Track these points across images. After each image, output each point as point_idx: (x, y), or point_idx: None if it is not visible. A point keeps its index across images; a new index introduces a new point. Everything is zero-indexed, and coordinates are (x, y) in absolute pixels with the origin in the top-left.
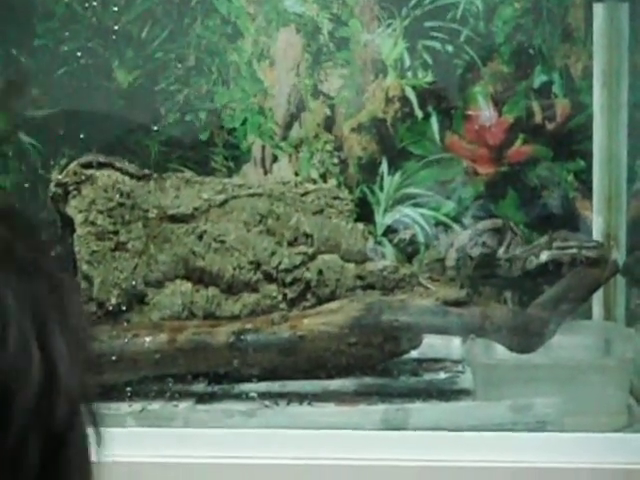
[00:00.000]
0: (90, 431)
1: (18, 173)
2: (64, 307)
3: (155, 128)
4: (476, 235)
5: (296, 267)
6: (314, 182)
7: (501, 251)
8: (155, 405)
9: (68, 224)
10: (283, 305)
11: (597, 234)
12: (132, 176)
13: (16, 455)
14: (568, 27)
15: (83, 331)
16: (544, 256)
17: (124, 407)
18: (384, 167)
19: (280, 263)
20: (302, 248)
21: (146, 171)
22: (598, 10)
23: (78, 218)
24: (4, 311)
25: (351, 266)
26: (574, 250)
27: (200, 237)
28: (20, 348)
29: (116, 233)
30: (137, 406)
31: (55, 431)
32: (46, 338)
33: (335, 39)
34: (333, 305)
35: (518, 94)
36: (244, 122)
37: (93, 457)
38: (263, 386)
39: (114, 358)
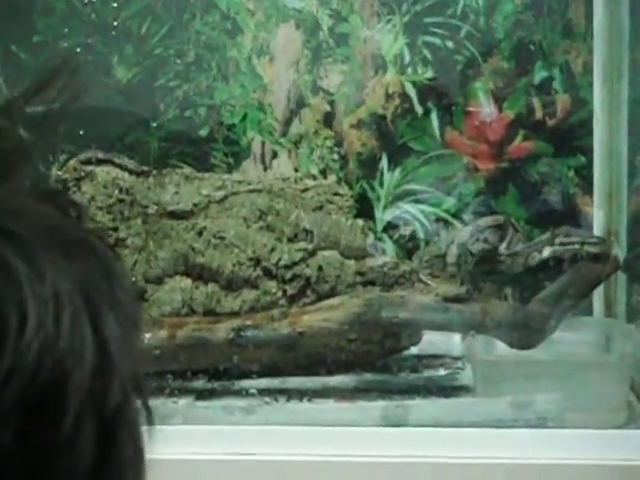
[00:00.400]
0: (142, 416)
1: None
2: (114, 288)
3: (154, 124)
4: (477, 231)
5: (296, 263)
6: (314, 178)
7: (502, 247)
8: (155, 401)
9: None
10: (283, 301)
11: (598, 230)
12: (131, 172)
13: (73, 435)
14: (569, 23)
15: (133, 312)
16: (546, 252)
17: None
18: (384, 163)
19: (280, 259)
20: (302, 244)
21: (145, 167)
22: (598, 6)
23: None
24: (57, 293)
25: (351, 262)
26: (576, 246)
27: (200, 233)
28: (73, 329)
29: (115, 229)
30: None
31: (108, 413)
32: (98, 319)
33: (335, 35)
34: (333, 301)
35: (518, 90)
36: (244, 118)
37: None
38: (263, 382)
39: None
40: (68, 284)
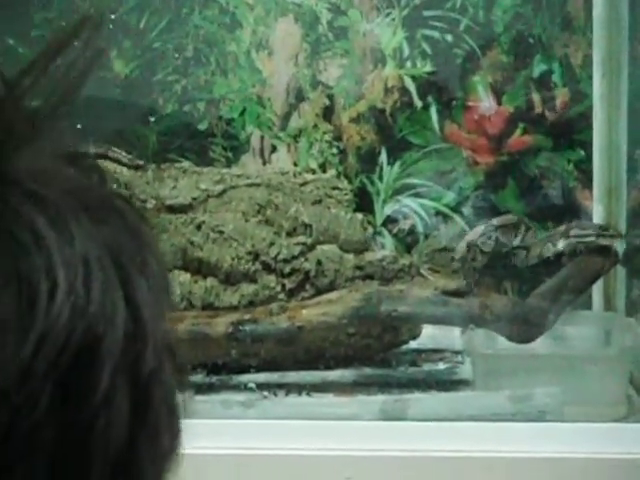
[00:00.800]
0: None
1: None
2: (143, 252)
3: (153, 118)
4: (489, 230)
5: (295, 257)
6: (313, 172)
7: (516, 242)
8: None
9: None
10: (282, 295)
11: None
12: (126, 166)
13: (107, 401)
14: (568, 16)
15: (163, 278)
16: (561, 244)
17: None
18: (383, 157)
19: (279, 253)
20: (301, 238)
21: (140, 162)
22: None
23: None
24: (86, 258)
25: (350, 256)
26: (591, 238)
27: (198, 227)
28: (104, 294)
29: None
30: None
31: (143, 378)
32: (129, 284)
33: (334, 29)
34: (332, 295)
35: (518, 83)
36: (242, 112)
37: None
38: (262, 377)
39: None
40: (97, 249)
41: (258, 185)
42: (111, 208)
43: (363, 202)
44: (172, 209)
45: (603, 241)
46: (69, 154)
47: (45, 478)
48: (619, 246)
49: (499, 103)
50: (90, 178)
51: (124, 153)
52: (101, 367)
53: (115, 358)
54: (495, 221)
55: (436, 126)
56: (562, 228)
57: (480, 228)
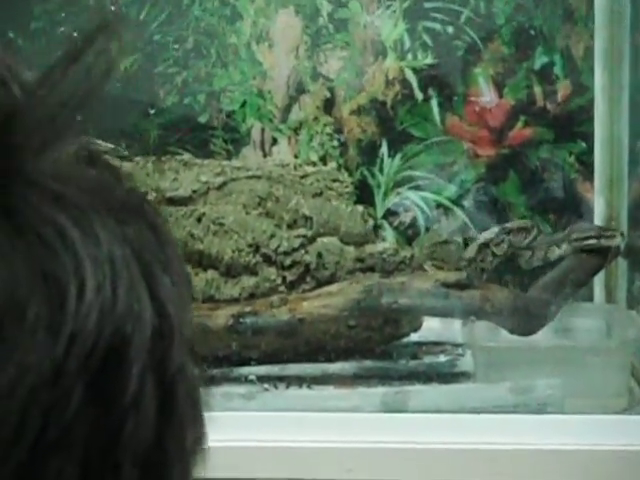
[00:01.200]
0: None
1: None
2: (165, 250)
3: (153, 111)
4: (503, 233)
5: (295, 250)
6: (314, 165)
7: (523, 245)
8: None
9: None
10: (282, 288)
11: (599, 216)
12: (122, 159)
13: (136, 399)
14: (569, 7)
15: (184, 275)
16: (564, 247)
17: None
18: (384, 149)
19: (279, 246)
20: (301, 231)
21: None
22: None
23: None
24: (112, 257)
25: (351, 249)
26: (593, 240)
27: (199, 220)
28: (130, 292)
29: None
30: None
31: (169, 375)
32: (153, 281)
33: (334, 21)
34: (332, 288)
35: (519, 76)
36: (243, 105)
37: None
38: (262, 369)
39: None
40: (121, 247)
41: (259, 177)
42: (132, 207)
43: (364, 194)
44: (172, 201)
45: (604, 242)
46: (89, 155)
47: (76, 477)
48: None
49: (500, 95)
50: (110, 178)
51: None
52: (130, 366)
53: (143, 357)
54: (509, 224)
55: (437, 118)
56: (566, 232)
57: (494, 230)
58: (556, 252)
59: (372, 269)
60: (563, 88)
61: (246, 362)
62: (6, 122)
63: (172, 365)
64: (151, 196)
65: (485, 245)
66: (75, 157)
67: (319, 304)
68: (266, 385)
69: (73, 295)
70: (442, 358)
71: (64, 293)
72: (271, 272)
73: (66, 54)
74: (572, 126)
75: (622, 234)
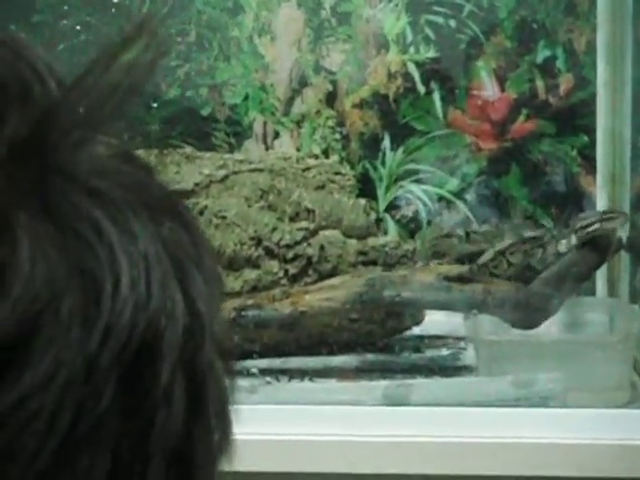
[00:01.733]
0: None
1: None
2: (198, 248)
3: (156, 104)
4: (519, 242)
5: (297, 243)
6: (316, 158)
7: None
8: None
9: None
10: (284, 281)
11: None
12: None
13: (167, 395)
14: (572, 1)
15: (216, 274)
16: (573, 239)
17: None
18: (386, 143)
19: (281, 239)
20: (303, 224)
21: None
22: None
23: None
24: (146, 253)
25: (353, 242)
26: (597, 225)
27: (201, 213)
28: (163, 289)
29: None
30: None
31: (199, 372)
32: (185, 279)
33: (337, 14)
34: (335, 281)
35: (521, 69)
36: (245, 98)
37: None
38: (264, 362)
39: None
40: (156, 245)
41: (261, 170)
42: (167, 206)
43: (366, 188)
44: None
45: (609, 225)
46: (125, 152)
47: (106, 471)
48: (623, 232)
49: (502, 89)
50: (145, 176)
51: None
52: (161, 362)
53: (175, 353)
54: (526, 233)
55: (439, 112)
56: (569, 227)
57: (510, 240)
58: (564, 245)
59: (374, 262)
60: (565, 82)
61: (248, 355)
62: (44, 118)
63: (202, 362)
64: None
65: (501, 253)
66: (112, 154)
67: (321, 297)
68: (268, 378)
69: (108, 291)
70: (444, 351)
71: (99, 288)
72: (273, 265)
73: (106, 51)
74: (574, 120)
75: (625, 214)
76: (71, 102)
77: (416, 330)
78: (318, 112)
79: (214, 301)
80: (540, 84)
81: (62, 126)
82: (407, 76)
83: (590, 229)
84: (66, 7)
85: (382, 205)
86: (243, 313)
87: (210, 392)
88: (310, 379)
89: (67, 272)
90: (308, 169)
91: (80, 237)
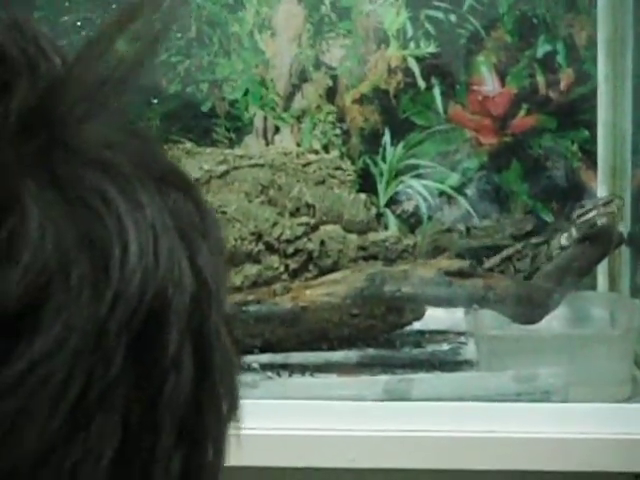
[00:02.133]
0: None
1: None
2: (204, 220)
3: (156, 100)
4: (526, 248)
5: (298, 238)
6: (316, 153)
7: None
8: None
9: None
10: (285, 276)
11: None
12: None
13: (175, 363)
14: None
15: (222, 245)
16: (574, 231)
17: None
18: (387, 138)
19: (282, 234)
20: (304, 219)
21: None
22: None
23: None
24: (153, 223)
25: (353, 237)
26: (594, 212)
27: None
28: (171, 258)
29: None
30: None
31: (206, 341)
32: (192, 248)
33: (337, 9)
34: (335, 276)
35: (522, 64)
36: (246, 93)
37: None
38: (265, 357)
39: None
40: (163, 215)
41: (261, 166)
42: (174, 177)
43: (366, 183)
44: None
45: (607, 209)
46: (131, 126)
47: (117, 438)
48: (624, 227)
49: (503, 84)
50: (152, 148)
51: None
52: (170, 330)
53: (183, 321)
54: (534, 239)
55: (440, 107)
56: (569, 220)
57: (518, 246)
58: (566, 238)
59: (375, 257)
60: (566, 76)
61: (249, 350)
62: (49, 92)
63: (209, 330)
64: None
65: (508, 259)
66: (117, 128)
67: (322, 292)
68: (269, 373)
69: (117, 258)
70: (445, 346)
71: (108, 256)
72: (274, 260)
73: (111, 25)
74: (575, 114)
75: (621, 198)
76: (76, 76)
77: (417, 325)
78: (318, 107)
79: (220, 271)
80: (541, 79)
81: (68, 99)
82: (407, 71)
83: (589, 216)
84: (67, 3)
85: (382, 200)
86: (244, 308)
87: (217, 360)
88: (311, 374)
89: (76, 241)
90: (308, 164)
91: (88, 206)
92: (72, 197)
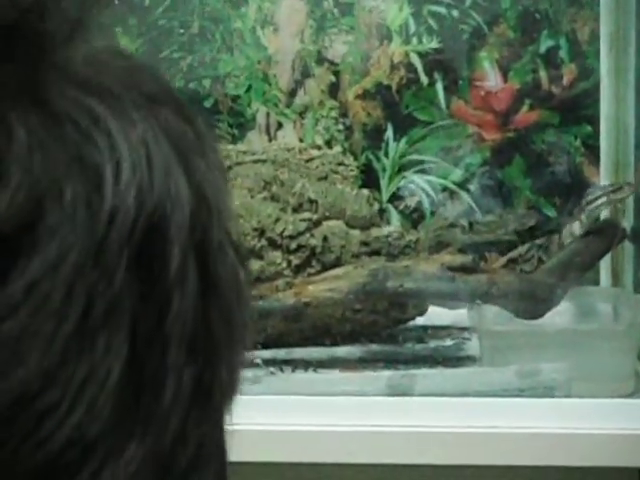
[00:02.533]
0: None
1: None
2: (200, 138)
3: None
4: (533, 249)
5: (301, 233)
6: (319, 148)
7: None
8: None
9: None
10: (288, 272)
11: None
12: None
13: (181, 275)
14: None
15: (220, 164)
16: (584, 218)
17: None
18: (389, 133)
19: (284, 230)
20: (306, 214)
21: None
22: None
23: None
24: (146, 140)
25: (356, 232)
26: (603, 199)
27: None
28: (166, 174)
29: None
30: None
31: (210, 254)
32: (189, 164)
33: (339, 5)
34: (338, 271)
35: (524, 59)
36: (248, 89)
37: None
38: (268, 353)
39: None
40: (155, 131)
41: (264, 161)
42: (166, 97)
43: (369, 178)
44: None
45: (617, 195)
46: (118, 49)
47: (124, 356)
48: (627, 222)
49: (505, 79)
50: (141, 69)
51: None
52: (172, 244)
53: (184, 235)
54: (539, 241)
55: (442, 102)
56: (577, 207)
57: (523, 248)
58: (577, 225)
59: (378, 253)
60: (569, 72)
61: (252, 346)
62: (34, 10)
63: (212, 244)
64: None
65: (513, 261)
66: (105, 50)
67: (324, 288)
68: (272, 369)
69: (110, 174)
70: (448, 342)
71: (100, 174)
72: (276, 256)
73: None
74: (578, 110)
75: (631, 185)
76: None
77: (420, 320)
78: (321, 103)
79: (220, 186)
80: (543, 74)
81: (51, 18)
82: (410, 67)
83: (598, 202)
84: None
85: (385, 196)
86: None
87: (223, 275)
88: (314, 370)
89: (66, 160)
90: (311, 160)
91: (77, 125)
92: (60, 117)
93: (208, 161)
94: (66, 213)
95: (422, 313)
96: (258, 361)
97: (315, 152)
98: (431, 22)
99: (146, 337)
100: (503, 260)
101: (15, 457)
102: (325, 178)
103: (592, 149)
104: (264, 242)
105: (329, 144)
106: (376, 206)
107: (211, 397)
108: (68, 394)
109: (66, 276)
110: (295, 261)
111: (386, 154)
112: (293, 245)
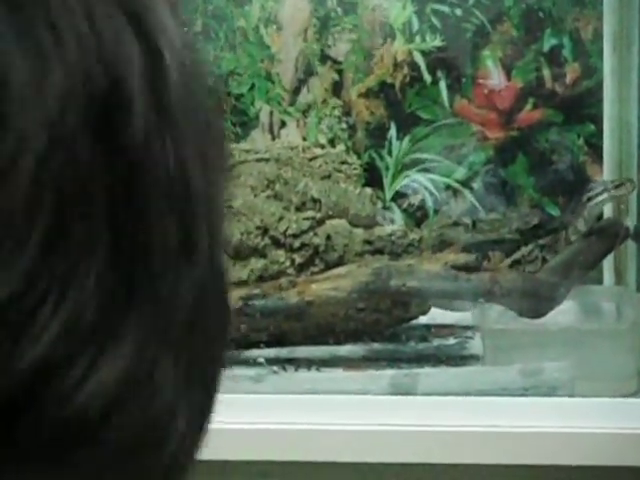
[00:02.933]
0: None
1: None
2: None
3: None
4: (536, 249)
5: (304, 232)
6: (322, 147)
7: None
8: None
9: None
10: (291, 270)
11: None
12: None
13: (145, 134)
14: None
15: (190, 39)
16: (587, 214)
17: None
18: (393, 132)
19: (288, 228)
20: (310, 213)
21: None
22: None
23: None
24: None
25: (359, 231)
26: (605, 195)
27: None
28: (116, 37)
29: None
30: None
31: (171, 111)
32: (141, 18)
33: (343, 3)
34: (341, 270)
35: (528, 58)
36: (251, 88)
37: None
38: (271, 352)
39: None
40: None
41: (267, 160)
42: None
43: (372, 177)
44: None
45: (618, 192)
46: None
47: (107, 241)
48: (629, 221)
49: (509, 78)
50: None
51: None
52: (130, 105)
53: (140, 94)
54: (542, 241)
55: (446, 101)
56: (580, 203)
57: (527, 249)
58: (581, 221)
59: (381, 251)
60: (572, 70)
61: (255, 345)
62: None
63: (171, 97)
64: None
65: (517, 262)
66: None
67: (328, 286)
68: (275, 368)
69: (51, 51)
70: (451, 341)
71: (40, 46)
72: (280, 254)
73: None
74: (581, 108)
75: (632, 182)
76: None
77: (423, 319)
78: (324, 102)
79: (183, 37)
80: (546, 73)
81: None
82: (413, 65)
83: (600, 198)
84: None
85: (388, 194)
86: (249, 302)
87: (192, 120)
88: (317, 368)
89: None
90: (314, 158)
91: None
92: None
93: (175, 15)
94: (15, 101)
95: (425, 312)
96: (261, 360)
97: (318, 151)
98: (434, 20)
99: (125, 216)
100: (507, 262)
101: (7, 359)
102: (328, 177)
103: (595, 148)
104: (267, 241)
105: (332, 143)
106: (379, 205)
107: (197, 248)
108: (54, 287)
109: (28, 168)
110: (298, 260)
111: (389, 153)
112: (296, 244)
